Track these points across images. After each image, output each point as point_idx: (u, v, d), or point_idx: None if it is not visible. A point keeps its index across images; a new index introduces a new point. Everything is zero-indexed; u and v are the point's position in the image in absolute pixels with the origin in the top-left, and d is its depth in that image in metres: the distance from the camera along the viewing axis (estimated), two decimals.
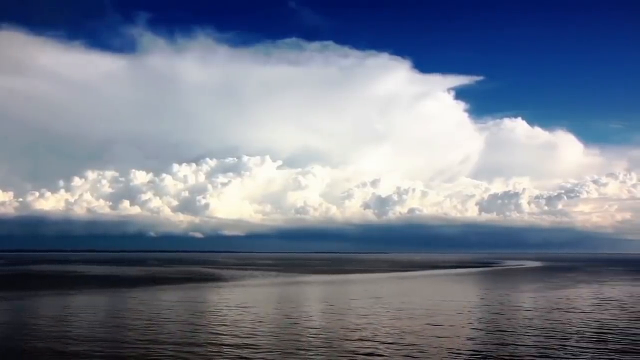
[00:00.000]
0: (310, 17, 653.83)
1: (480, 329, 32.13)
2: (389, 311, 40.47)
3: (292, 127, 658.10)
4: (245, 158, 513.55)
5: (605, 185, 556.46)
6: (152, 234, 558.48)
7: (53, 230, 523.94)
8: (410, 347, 26.43)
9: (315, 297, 54.75)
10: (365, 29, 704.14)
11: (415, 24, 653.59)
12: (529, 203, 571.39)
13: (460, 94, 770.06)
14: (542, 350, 25.76)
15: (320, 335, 29.63)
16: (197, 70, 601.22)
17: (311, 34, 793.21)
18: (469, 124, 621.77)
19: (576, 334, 30.46)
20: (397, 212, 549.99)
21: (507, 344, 27.27)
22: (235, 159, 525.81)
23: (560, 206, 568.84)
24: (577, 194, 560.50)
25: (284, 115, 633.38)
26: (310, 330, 31.57)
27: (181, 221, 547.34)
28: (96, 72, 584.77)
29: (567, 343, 27.62)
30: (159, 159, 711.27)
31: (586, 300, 49.46)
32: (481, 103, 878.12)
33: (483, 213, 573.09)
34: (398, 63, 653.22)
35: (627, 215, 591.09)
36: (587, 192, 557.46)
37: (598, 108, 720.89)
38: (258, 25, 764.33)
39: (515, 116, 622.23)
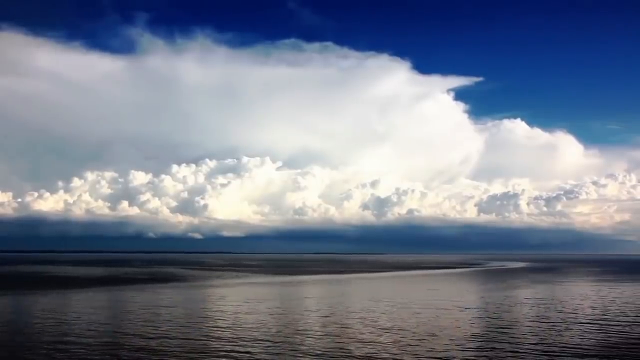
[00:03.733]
0: (310, 18, 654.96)
1: (381, 328, 32.40)
2: (312, 311, 41.00)
3: (292, 128, 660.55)
4: (244, 159, 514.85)
5: (604, 186, 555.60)
6: (151, 234, 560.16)
7: (52, 231, 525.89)
8: (288, 345, 26.83)
9: (257, 297, 54.66)
10: (365, 29, 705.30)
11: (415, 24, 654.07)
12: (528, 204, 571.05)
13: (460, 94, 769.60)
14: (402, 346, 26.14)
15: (219, 332, 30.13)
16: (196, 71, 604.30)
17: (311, 35, 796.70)
18: (469, 124, 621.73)
19: (463, 331, 30.86)
20: (396, 213, 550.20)
21: (391, 342, 27.65)
22: (234, 160, 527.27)
23: (559, 207, 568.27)
24: (577, 195, 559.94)
25: (284, 116, 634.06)
26: (209, 327, 32.08)
27: (180, 222, 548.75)
28: (95, 72, 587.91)
29: (440, 341, 28.00)
30: (158, 160, 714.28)
31: (519, 301, 49.74)
32: (481, 104, 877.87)
33: (482, 214, 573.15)
34: (398, 64, 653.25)
35: (626, 216, 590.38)
36: (587, 193, 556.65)
37: (598, 109, 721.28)
38: (257, 26, 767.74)
39: (515, 117, 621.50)
